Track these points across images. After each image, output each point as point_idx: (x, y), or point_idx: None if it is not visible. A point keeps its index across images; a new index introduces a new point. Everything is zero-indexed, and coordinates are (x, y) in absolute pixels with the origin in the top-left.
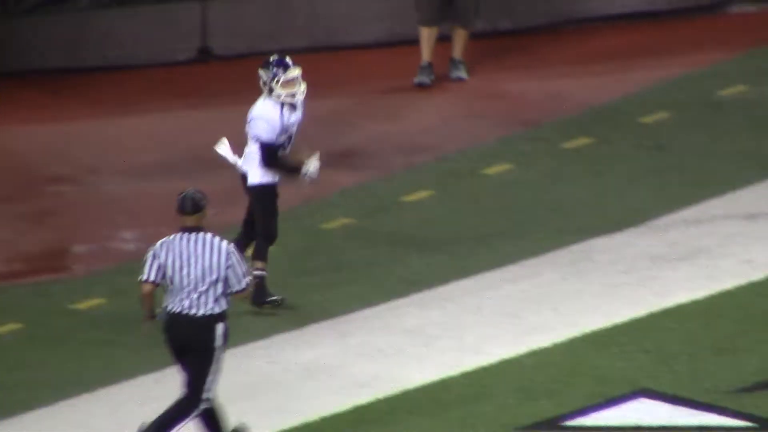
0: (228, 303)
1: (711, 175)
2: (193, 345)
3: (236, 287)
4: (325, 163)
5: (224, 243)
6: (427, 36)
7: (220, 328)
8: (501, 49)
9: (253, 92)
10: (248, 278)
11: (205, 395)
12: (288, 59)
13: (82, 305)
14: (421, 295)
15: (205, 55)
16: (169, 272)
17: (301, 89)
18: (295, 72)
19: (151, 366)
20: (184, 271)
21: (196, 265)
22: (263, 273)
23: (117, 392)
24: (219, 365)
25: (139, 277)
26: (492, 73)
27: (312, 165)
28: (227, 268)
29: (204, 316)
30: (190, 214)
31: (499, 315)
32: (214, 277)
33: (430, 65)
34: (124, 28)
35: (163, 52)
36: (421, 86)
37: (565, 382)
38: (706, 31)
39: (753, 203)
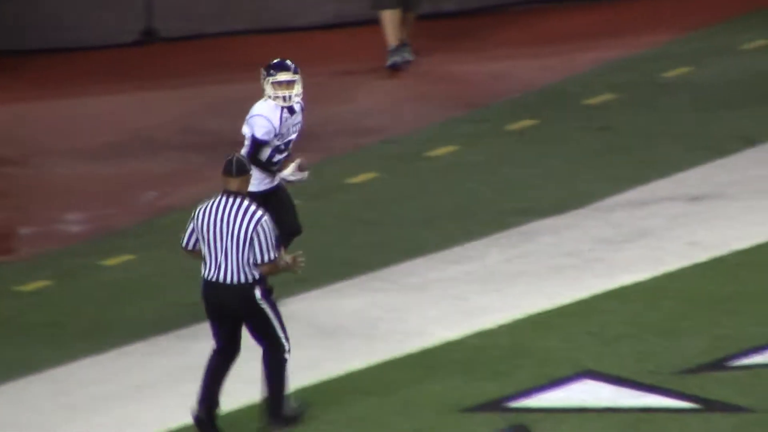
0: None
1: (656, 157)
2: (237, 312)
3: (260, 258)
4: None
5: (259, 212)
6: (390, 19)
7: (258, 291)
8: (446, 31)
9: (198, 73)
10: (278, 253)
11: (284, 341)
12: (288, 62)
13: (28, 287)
14: (366, 276)
15: (150, 37)
16: (203, 236)
17: (294, 93)
18: (288, 75)
19: (97, 347)
20: (218, 236)
21: (230, 231)
22: None
23: (62, 373)
24: (276, 313)
25: (180, 242)
26: (437, 56)
27: (288, 170)
28: (253, 233)
29: (240, 284)
30: (235, 176)
31: (444, 296)
32: (243, 242)
33: (401, 45)
34: (69, 10)
35: (109, 34)
36: (394, 67)
37: (509, 364)
38: (650, 13)
39: (698, 185)
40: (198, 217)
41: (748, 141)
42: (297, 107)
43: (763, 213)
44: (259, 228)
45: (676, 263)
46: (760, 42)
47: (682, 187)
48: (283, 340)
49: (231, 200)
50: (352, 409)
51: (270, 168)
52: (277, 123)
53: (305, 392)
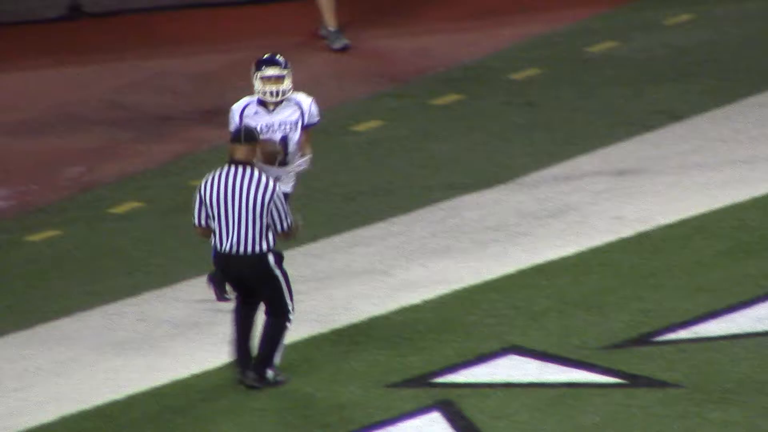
0: (275, 239)
1: (581, 132)
2: (251, 280)
3: (279, 227)
4: (197, 120)
5: (272, 182)
6: (326, 1)
7: (271, 258)
8: (370, 7)
9: (124, 49)
10: (291, 220)
11: (290, 309)
12: (278, 57)
13: None
14: (292, 252)
15: (76, 12)
16: (213, 208)
17: (283, 88)
18: (276, 70)
19: (23, 323)
20: (231, 207)
21: (241, 200)
22: None
23: None
24: (287, 280)
25: (192, 221)
26: (361, 32)
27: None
28: (271, 204)
29: (253, 254)
30: (243, 143)
31: (369, 272)
32: (259, 212)
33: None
34: None
35: (35, 9)
36: (345, 49)
37: (435, 339)
38: None
39: (623, 160)
40: (206, 189)
41: (672, 116)
42: (287, 104)
43: (687, 188)
44: (276, 198)
45: (601, 238)
46: (684, 17)
47: (607, 162)
48: (290, 308)
49: (240, 170)
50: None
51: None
52: (237, 118)
53: (232, 366)
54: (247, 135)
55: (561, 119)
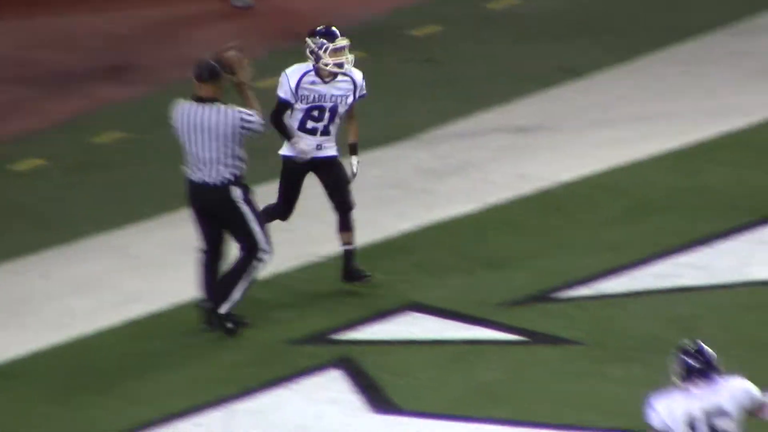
0: (241, 168)
1: (482, 89)
2: (216, 210)
3: (259, 133)
4: (104, 78)
5: (236, 110)
6: None
7: (235, 191)
8: None
9: (31, 4)
10: (260, 117)
11: (262, 245)
12: (334, 29)
13: None
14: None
15: None
16: (182, 136)
17: (349, 59)
18: (343, 41)
19: None
20: (197, 137)
21: (204, 132)
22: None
23: None
24: (256, 215)
25: None
26: None
27: (301, 143)
28: (233, 133)
29: (219, 185)
30: (204, 81)
31: (274, 230)
32: (222, 143)
33: None
34: None
35: None
36: (248, 8)
37: (336, 296)
38: None
39: (524, 117)
40: (176, 116)
41: (573, 72)
42: (342, 77)
43: (588, 144)
44: (243, 118)
45: (502, 195)
46: None
47: (509, 119)
48: (262, 242)
49: (208, 106)
50: (184, 341)
51: (288, 133)
52: (294, 83)
53: (134, 325)
54: (209, 72)
55: (462, 76)
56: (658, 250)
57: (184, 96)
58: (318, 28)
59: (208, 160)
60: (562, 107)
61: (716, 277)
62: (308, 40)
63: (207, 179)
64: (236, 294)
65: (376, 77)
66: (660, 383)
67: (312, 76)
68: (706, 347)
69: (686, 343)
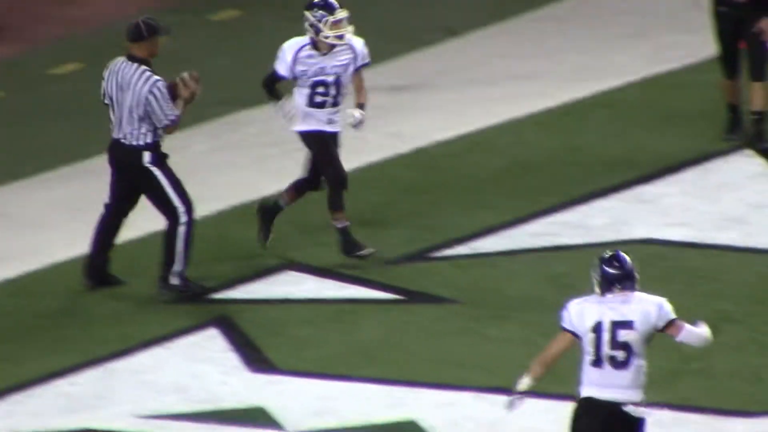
0: (157, 135)
1: None
2: (127, 171)
3: (164, 120)
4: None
5: (154, 76)
6: None
7: (147, 155)
8: None
9: None
10: (175, 114)
11: (179, 209)
12: (333, 0)
13: None
14: (69, 168)
15: None
16: (108, 93)
17: (349, 30)
18: (343, 12)
19: None
20: (117, 96)
21: (131, 95)
22: (345, 224)
23: None
24: (172, 181)
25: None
26: None
27: (285, 105)
28: (149, 96)
29: (132, 146)
30: (133, 41)
31: None
32: (135, 105)
33: None
34: None
35: None
36: None
37: (212, 255)
38: None
39: (399, 76)
40: (108, 70)
41: (450, 31)
42: (340, 47)
43: (465, 103)
44: (152, 93)
45: (377, 154)
46: None
47: (383, 78)
48: (179, 210)
49: (135, 66)
50: (60, 300)
51: (276, 95)
52: (290, 57)
53: (11, 284)
54: (134, 33)
55: None
56: (534, 209)
57: (61, 56)
58: (315, 1)
59: (123, 119)
60: (438, 66)
61: (592, 235)
62: (306, 13)
63: (122, 139)
64: (177, 265)
65: (252, 35)
66: (537, 342)
67: (308, 50)
68: (624, 256)
69: (606, 251)
